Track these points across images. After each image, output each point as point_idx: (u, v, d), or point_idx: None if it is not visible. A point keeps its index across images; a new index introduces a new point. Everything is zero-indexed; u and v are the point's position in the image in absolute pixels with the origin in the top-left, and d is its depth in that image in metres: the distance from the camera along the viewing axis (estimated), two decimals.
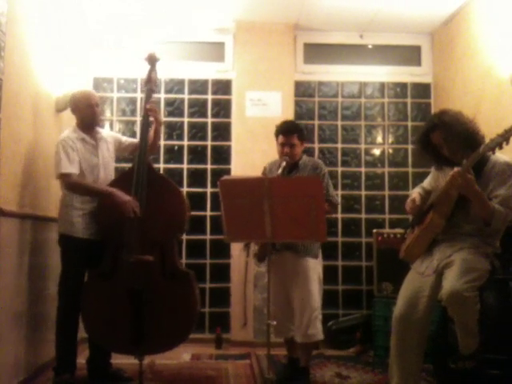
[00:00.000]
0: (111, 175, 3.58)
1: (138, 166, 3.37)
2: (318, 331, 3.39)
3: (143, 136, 3.48)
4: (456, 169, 2.67)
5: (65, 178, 3.31)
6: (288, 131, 3.50)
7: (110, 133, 3.80)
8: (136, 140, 3.77)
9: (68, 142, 3.34)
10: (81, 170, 3.36)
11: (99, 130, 3.58)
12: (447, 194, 2.78)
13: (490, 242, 2.81)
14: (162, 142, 4.95)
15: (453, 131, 2.79)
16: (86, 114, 3.45)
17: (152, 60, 3.66)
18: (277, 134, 3.56)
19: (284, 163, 3.41)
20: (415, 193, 3.07)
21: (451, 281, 2.62)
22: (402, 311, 2.83)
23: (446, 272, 2.72)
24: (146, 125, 3.52)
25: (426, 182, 3.15)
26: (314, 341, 3.43)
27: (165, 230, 3.36)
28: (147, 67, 3.65)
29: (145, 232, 3.27)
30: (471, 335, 2.65)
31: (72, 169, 3.30)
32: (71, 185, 3.33)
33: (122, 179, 3.46)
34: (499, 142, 2.58)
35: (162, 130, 4.07)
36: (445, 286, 2.63)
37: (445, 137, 2.82)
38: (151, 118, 3.60)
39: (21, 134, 3.40)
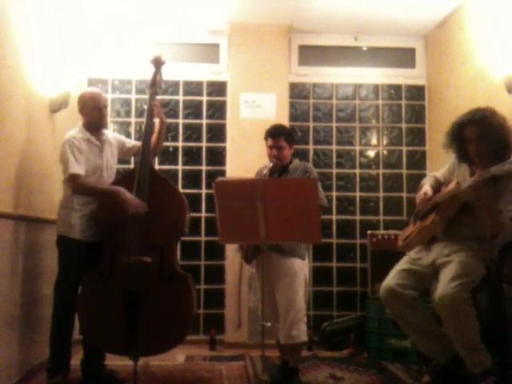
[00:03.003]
0: (113, 177, 3.56)
1: (140, 168, 3.36)
2: (301, 333, 3.37)
3: (146, 138, 3.47)
4: (472, 181, 2.65)
5: (73, 179, 3.28)
6: (275, 134, 3.59)
7: (114, 135, 3.77)
8: (139, 143, 3.76)
9: (74, 143, 3.32)
10: (84, 170, 3.34)
11: (104, 131, 3.56)
12: (454, 198, 2.76)
13: (488, 248, 2.81)
14: None
15: (492, 133, 2.71)
16: (93, 116, 3.43)
17: (157, 63, 3.66)
18: (266, 137, 3.65)
19: (270, 165, 3.51)
20: (427, 183, 3.05)
21: (442, 285, 2.64)
22: (389, 283, 2.92)
23: (442, 272, 2.74)
24: (149, 126, 3.52)
25: (441, 173, 3.12)
26: (297, 342, 3.40)
27: (166, 232, 3.35)
28: (152, 70, 3.65)
29: (145, 234, 3.25)
30: (474, 350, 2.60)
31: (80, 170, 3.28)
32: (79, 186, 3.29)
33: (124, 180, 3.44)
34: None
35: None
36: (437, 289, 2.65)
37: (482, 135, 2.74)
38: (156, 119, 3.60)
39: (14, 134, 3.38)
